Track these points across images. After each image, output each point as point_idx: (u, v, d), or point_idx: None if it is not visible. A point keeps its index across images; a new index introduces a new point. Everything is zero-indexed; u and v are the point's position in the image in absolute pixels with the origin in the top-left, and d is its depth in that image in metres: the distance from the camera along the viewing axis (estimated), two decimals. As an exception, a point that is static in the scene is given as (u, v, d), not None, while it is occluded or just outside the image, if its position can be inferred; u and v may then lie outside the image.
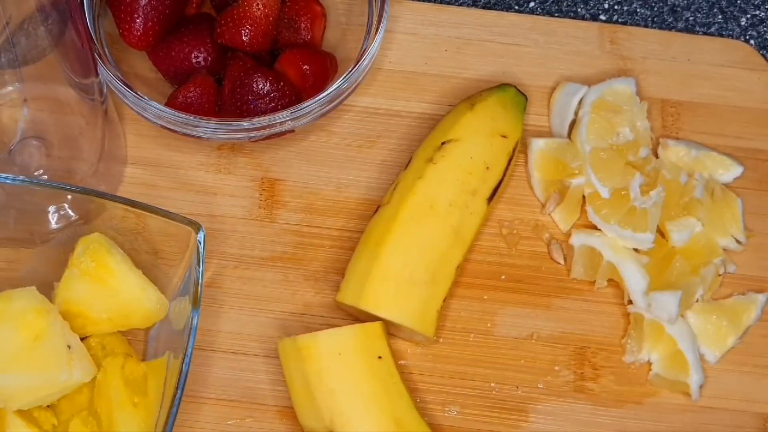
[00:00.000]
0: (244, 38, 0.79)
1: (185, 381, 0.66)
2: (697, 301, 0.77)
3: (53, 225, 0.75)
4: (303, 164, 0.82)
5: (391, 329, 0.75)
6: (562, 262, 0.80)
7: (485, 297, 0.79)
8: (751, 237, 0.81)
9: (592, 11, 0.91)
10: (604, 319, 0.78)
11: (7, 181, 0.69)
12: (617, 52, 0.87)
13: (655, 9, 0.91)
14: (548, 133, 0.84)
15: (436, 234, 0.75)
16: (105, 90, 0.75)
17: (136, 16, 0.78)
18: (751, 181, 0.83)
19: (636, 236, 0.77)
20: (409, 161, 0.78)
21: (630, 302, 0.78)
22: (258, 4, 0.78)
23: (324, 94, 0.77)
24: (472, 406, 0.76)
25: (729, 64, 0.87)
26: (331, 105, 0.78)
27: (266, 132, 0.77)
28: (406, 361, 0.77)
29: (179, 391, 0.65)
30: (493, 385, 0.76)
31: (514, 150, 0.79)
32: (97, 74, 0.73)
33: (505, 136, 0.78)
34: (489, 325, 0.78)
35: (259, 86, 0.77)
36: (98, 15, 0.81)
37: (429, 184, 0.75)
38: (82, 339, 0.70)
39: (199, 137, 0.77)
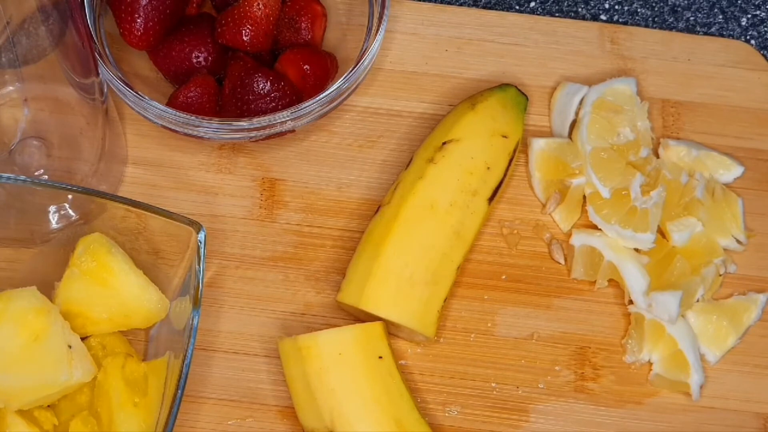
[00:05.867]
0: (244, 38, 0.79)
1: (186, 381, 0.66)
2: (697, 301, 0.77)
3: (54, 225, 0.75)
4: (303, 164, 0.82)
5: (391, 329, 0.75)
6: (562, 262, 0.80)
7: (486, 297, 0.79)
8: (751, 237, 0.81)
9: (592, 11, 0.91)
10: (605, 319, 0.78)
11: (8, 181, 0.69)
12: (618, 52, 0.87)
13: (656, 9, 0.91)
14: (549, 133, 0.84)
15: (437, 234, 0.75)
16: (105, 90, 0.75)
17: (136, 15, 0.78)
18: (751, 181, 0.83)
19: (637, 236, 0.77)
20: (410, 161, 0.78)
21: (630, 302, 0.78)
22: (258, 4, 0.78)
23: (324, 94, 0.77)
24: (472, 406, 0.76)
25: (729, 64, 0.87)
26: (332, 105, 0.78)
27: (267, 132, 0.77)
28: (406, 361, 0.77)
29: (180, 391, 0.65)
30: (493, 385, 0.76)
31: (514, 150, 0.79)
32: (97, 74, 0.73)
33: (505, 136, 0.78)
34: (489, 325, 0.78)
35: (260, 86, 0.77)
36: (99, 15, 0.81)
37: (430, 184, 0.75)
38: (83, 339, 0.71)
39: (200, 137, 0.77)
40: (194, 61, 0.80)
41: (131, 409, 0.68)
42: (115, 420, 0.68)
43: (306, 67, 0.79)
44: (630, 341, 0.77)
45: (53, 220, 0.75)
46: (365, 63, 0.79)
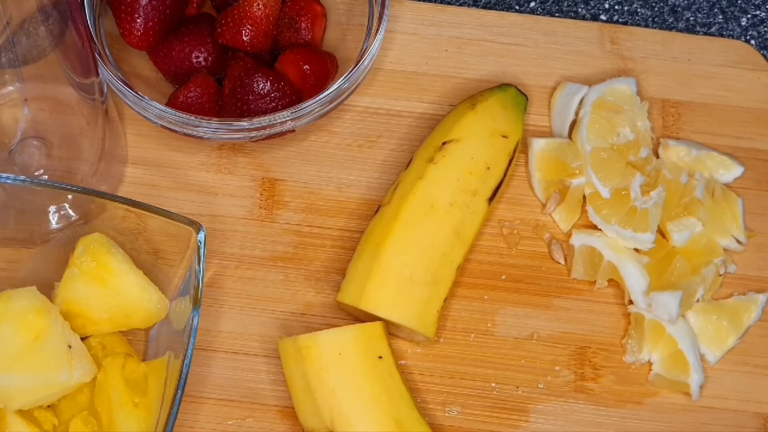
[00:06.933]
0: (244, 38, 0.79)
1: (185, 381, 0.66)
2: (697, 301, 0.77)
3: (54, 225, 0.75)
4: (303, 164, 0.82)
5: (391, 329, 0.75)
6: (562, 262, 0.80)
7: (486, 297, 0.79)
8: (751, 237, 0.81)
9: (592, 11, 0.91)
10: (605, 319, 0.78)
11: (8, 181, 0.69)
12: (618, 52, 0.87)
13: (656, 9, 0.91)
14: (549, 133, 0.84)
15: (437, 234, 0.75)
16: (105, 90, 0.75)
17: (136, 15, 0.78)
18: (751, 181, 0.83)
19: (636, 236, 0.77)
20: (410, 161, 0.78)
21: (630, 302, 0.78)
22: (258, 4, 0.78)
23: (324, 94, 0.77)
24: (472, 406, 0.76)
25: (729, 64, 0.87)
26: (332, 105, 0.78)
27: (267, 132, 0.77)
28: (406, 361, 0.77)
29: (179, 391, 0.65)
30: (493, 385, 0.76)
31: (514, 150, 0.79)
32: (97, 74, 0.73)
33: (505, 136, 0.78)
34: (489, 325, 0.78)
35: (260, 86, 0.77)
36: (99, 15, 0.81)
37: (430, 184, 0.75)
38: (83, 339, 0.71)
39: (200, 137, 0.77)
40: (194, 61, 0.80)
41: (131, 409, 0.68)
42: (115, 420, 0.68)
43: (306, 67, 0.79)
44: (630, 341, 0.77)
45: (53, 220, 0.75)
46: (365, 63, 0.79)
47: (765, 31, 0.91)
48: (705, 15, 0.92)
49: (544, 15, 0.90)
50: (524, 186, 0.82)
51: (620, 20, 0.91)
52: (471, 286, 0.79)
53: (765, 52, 0.90)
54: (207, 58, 0.80)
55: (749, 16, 0.92)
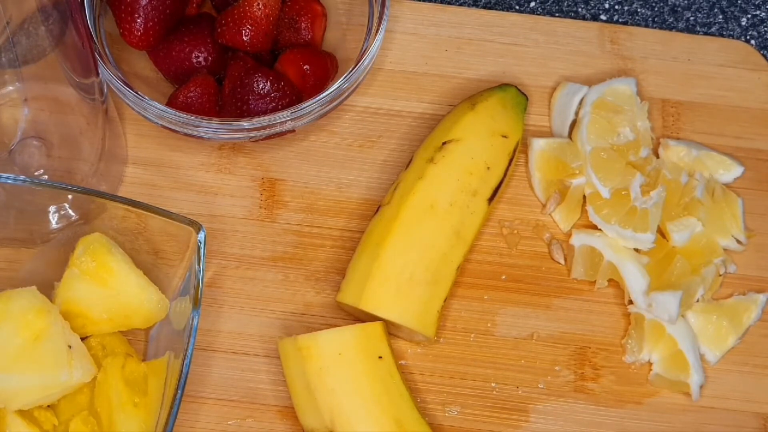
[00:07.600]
0: (244, 38, 0.79)
1: (185, 381, 0.66)
2: (697, 301, 0.77)
3: (54, 225, 0.75)
4: (303, 164, 0.82)
5: (391, 329, 0.75)
6: (562, 262, 0.80)
7: (486, 297, 0.79)
8: (751, 237, 0.81)
9: (592, 11, 0.91)
10: (605, 319, 0.78)
11: (8, 181, 0.69)
12: (618, 52, 0.87)
13: (656, 9, 0.91)
14: (549, 133, 0.84)
15: (437, 234, 0.75)
16: (105, 90, 0.75)
17: (136, 15, 0.78)
18: (751, 181, 0.83)
19: (637, 236, 0.77)
20: (410, 161, 0.78)
21: (630, 302, 0.78)
22: (258, 4, 0.78)
23: (324, 94, 0.77)
24: (472, 406, 0.76)
25: (729, 64, 0.87)
26: (332, 105, 0.78)
27: (267, 132, 0.77)
28: (406, 361, 0.77)
29: (179, 391, 0.65)
30: (493, 385, 0.76)
31: (514, 150, 0.79)
32: (97, 74, 0.73)
33: (505, 136, 0.78)
34: (489, 325, 0.78)
35: (260, 86, 0.77)
36: (99, 14, 0.81)
37: (430, 184, 0.75)
38: (83, 339, 0.71)
39: (200, 137, 0.77)
40: (194, 61, 0.80)
41: (131, 409, 0.68)
42: (115, 420, 0.68)
43: (306, 67, 0.80)
44: (630, 341, 0.77)
45: (53, 220, 0.75)
46: (365, 63, 0.79)
47: (765, 31, 0.91)
48: (705, 15, 0.92)
49: (544, 15, 0.90)
50: (524, 186, 0.82)
51: (620, 20, 0.91)
52: (471, 286, 0.79)
53: (765, 52, 0.90)
54: (207, 58, 0.80)
55: (749, 16, 0.92)
